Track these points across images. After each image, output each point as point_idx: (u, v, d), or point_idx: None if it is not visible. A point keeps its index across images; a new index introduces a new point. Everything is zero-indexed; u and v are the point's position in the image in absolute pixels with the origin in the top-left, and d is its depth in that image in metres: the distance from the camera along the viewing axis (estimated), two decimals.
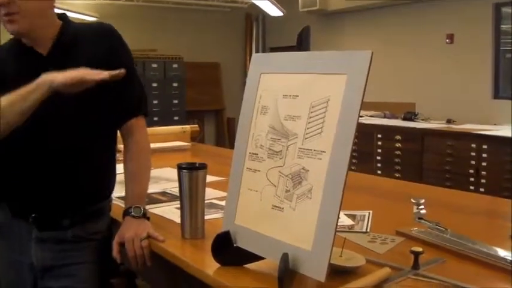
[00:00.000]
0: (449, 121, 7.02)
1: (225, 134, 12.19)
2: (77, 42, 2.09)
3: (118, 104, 2.15)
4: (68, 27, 2.11)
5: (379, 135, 7.25)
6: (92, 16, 9.71)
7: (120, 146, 2.26)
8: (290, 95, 1.57)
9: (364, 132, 7.21)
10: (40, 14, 2.01)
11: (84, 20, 9.35)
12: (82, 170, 2.11)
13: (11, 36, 2.07)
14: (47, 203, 2.08)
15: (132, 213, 2.06)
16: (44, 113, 1.97)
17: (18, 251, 2.13)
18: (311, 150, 1.46)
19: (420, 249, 1.62)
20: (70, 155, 2.07)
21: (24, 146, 2.05)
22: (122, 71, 1.90)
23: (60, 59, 2.03)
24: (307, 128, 1.49)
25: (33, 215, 2.08)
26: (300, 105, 1.52)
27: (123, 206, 2.15)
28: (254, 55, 1.77)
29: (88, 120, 2.10)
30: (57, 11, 2.13)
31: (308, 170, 1.46)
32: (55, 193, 2.07)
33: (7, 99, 1.88)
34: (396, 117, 7.72)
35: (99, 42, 2.13)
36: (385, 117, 7.85)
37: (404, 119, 7.45)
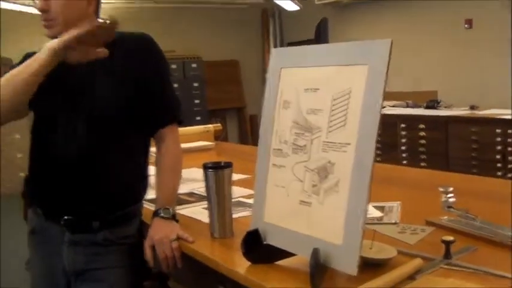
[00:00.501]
0: (472, 107, 6.95)
1: (248, 131, 12.19)
2: (115, 49, 2.06)
3: (152, 111, 2.18)
4: None
5: (403, 125, 7.21)
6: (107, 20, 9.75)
7: (153, 150, 2.29)
8: (311, 89, 1.56)
9: (387, 123, 7.17)
10: (77, 19, 2.01)
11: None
12: (113, 174, 2.12)
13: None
14: (78, 205, 2.10)
15: (161, 214, 2.07)
16: (76, 117, 2.04)
17: (52, 254, 2.16)
18: (335, 143, 1.45)
19: (451, 238, 1.60)
20: (101, 159, 2.09)
21: (56, 149, 2.08)
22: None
23: (95, 63, 2.01)
24: (330, 121, 1.48)
25: (65, 218, 2.10)
26: (322, 98, 1.52)
27: (152, 208, 2.16)
28: (273, 50, 1.76)
29: (121, 126, 2.12)
30: None
31: (334, 163, 1.45)
32: (86, 196, 2.09)
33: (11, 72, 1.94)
34: (419, 106, 7.66)
35: (138, 52, 2.16)
36: (407, 106, 7.79)
37: (427, 107, 7.39)
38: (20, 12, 7.85)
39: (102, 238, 2.13)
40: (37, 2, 1.99)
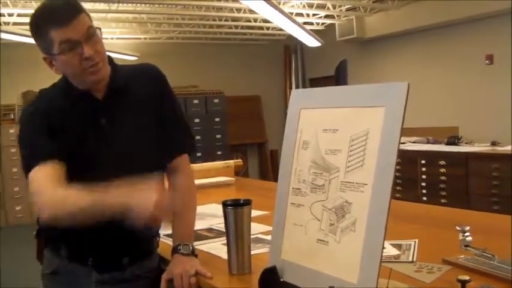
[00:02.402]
0: (493, 143, 6.93)
1: (269, 166, 12.20)
2: (129, 85, 2.14)
3: (165, 144, 2.20)
4: (118, 71, 2.16)
5: (423, 161, 7.20)
6: (132, 55, 9.86)
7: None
8: (330, 129, 1.59)
9: (407, 159, 7.17)
10: (107, 57, 2.08)
11: (126, 59, 9.51)
12: None
13: None
14: (104, 246, 2.11)
15: (181, 251, 2.08)
16: (104, 151, 2.07)
17: None
18: (353, 183, 1.48)
19: (467, 278, 1.61)
20: None
21: (84, 182, 2.06)
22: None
23: (114, 102, 2.10)
24: (348, 161, 1.50)
25: (91, 259, 2.12)
26: (340, 138, 1.54)
27: (170, 243, 2.18)
28: (293, 91, 1.80)
29: (143, 159, 2.13)
30: None
31: (351, 203, 1.47)
32: (112, 235, 2.07)
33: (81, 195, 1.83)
34: (439, 142, 7.65)
35: (148, 83, 2.19)
36: (428, 142, 7.79)
37: (448, 143, 7.39)
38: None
39: (130, 274, 2.15)
40: (85, 51, 1.93)
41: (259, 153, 12.40)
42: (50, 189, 1.89)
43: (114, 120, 2.11)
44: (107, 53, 2.09)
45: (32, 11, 2.04)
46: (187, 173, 2.28)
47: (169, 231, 2.28)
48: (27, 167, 1.96)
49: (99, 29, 2.02)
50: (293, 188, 1.67)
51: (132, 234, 2.08)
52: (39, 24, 1.94)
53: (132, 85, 2.15)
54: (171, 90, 2.27)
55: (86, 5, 7.58)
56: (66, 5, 1.93)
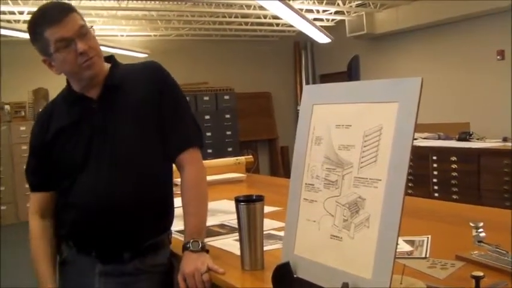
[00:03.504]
0: (505, 139, 6.89)
1: (279, 162, 12.20)
2: (125, 84, 2.19)
3: (171, 138, 2.21)
4: (117, 68, 2.23)
5: (435, 157, 7.18)
6: (142, 53, 9.88)
7: (177, 180, 2.31)
8: (343, 125, 1.58)
9: (419, 155, 7.15)
10: (101, 53, 2.16)
11: (135, 57, 9.53)
12: (141, 205, 2.15)
13: None
14: (109, 237, 2.14)
15: (191, 248, 2.08)
16: (102, 151, 2.11)
17: (84, 286, 2.20)
18: (366, 178, 1.47)
19: (481, 274, 1.60)
20: (130, 192, 2.12)
21: (85, 184, 2.13)
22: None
23: (110, 100, 2.16)
24: (362, 157, 1.50)
25: (95, 250, 2.16)
26: (354, 134, 1.54)
27: (182, 239, 2.18)
28: (305, 87, 1.79)
29: (144, 156, 2.17)
30: (106, 49, 2.22)
31: (365, 199, 1.47)
32: (117, 231, 2.13)
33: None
34: (451, 138, 7.63)
35: (147, 81, 2.21)
36: (439, 138, 7.76)
37: (459, 139, 7.36)
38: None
39: (133, 268, 2.17)
40: (79, 46, 2.03)
41: (269, 150, 12.40)
42: (33, 219, 2.33)
43: (109, 118, 2.15)
44: (116, 52, 2.14)
45: None
46: (197, 166, 2.27)
47: (181, 228, 2.28)
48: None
49: (92, 27, 2.13)
50: (306, 184, 1.66)
51: (132, 230, 2.12)
52: (34, 27, 2.08)
53: (130, 82, 2.20)
54: (174, 84, 2.28)
55: (96, 3, 7.62)
56: (57, 7, 2.08)
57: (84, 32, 2.05)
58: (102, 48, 2.16)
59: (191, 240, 2.10)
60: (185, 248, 2.10)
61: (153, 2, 8.35)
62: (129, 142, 2.14)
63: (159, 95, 2.19)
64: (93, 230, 2.14)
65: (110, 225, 2.11)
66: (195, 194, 2.23)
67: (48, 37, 2.03)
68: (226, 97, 11.09)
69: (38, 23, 2.06)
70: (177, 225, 2.36)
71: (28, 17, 7.87)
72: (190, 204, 2.20)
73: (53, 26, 2.01)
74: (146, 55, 9.94)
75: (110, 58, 2.25)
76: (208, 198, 2.28)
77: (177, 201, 2.30)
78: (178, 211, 2.31)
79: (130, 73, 2.24)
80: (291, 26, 8.66)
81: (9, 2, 7.21)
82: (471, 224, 1.95)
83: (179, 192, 2.25)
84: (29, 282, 5.91)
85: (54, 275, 2.23)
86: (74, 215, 2.17)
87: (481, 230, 1.93)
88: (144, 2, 8.25)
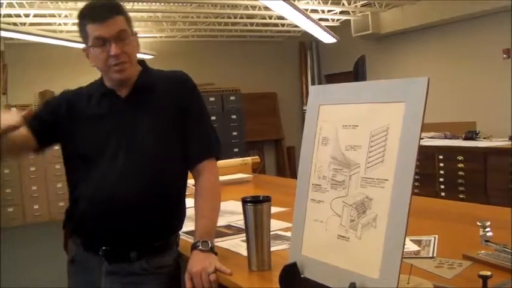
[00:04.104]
0: (511, 138, 6.88)
1: (285, 162, 12.20)
2: (154, 88, 2.25)
3: (192, 147, 2.26)
4: (146, 73, 2.28)
5: (441, 157, 7.17)
6: (149, 54, 9.89)
7: (190, 182, 2.34)
8: (350, 125, 1.58)
9: (425, 154, 7.14)
10: (136, 60, 2.22)
11: (142, 58, 9.52)
12: (152, 206, 2.17)
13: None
14: (117, 237, 2.16)
15: (200, 247, 2.09)
16: (118, 148, 2.15)
17: (91, 284, 2.22)
18: (374, 179, 1.47)
19: (488, 273, 1.59)
20: (140, 192, 2.14)
21: (96, 182, 2.15)
22: None
23: (136, 102, 2.21)
24: (369, 157, 1.50)
25: (103, 248, 2.17)
26: (360, 134, 1.54)
27: (190, 240, 2.19)
28: (312, 87, 1.79)
29: (159, 158, 2.20)
30: None
31: (372, 199, 1.47)
32: (125, 228, 2.14)
33: None
34: (457, 137, 7.61)
35: (175, 89, 2.28)
36: (445, 137, 7.75)
37: (466, 138, 7.34)
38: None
39: (139, 268, 2.18)
40: (112, 49, 2.09)
41: (275, 150, 12.39)
42: None
43: (133, 118, 2.20)
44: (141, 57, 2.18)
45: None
46: (213, 174, 2.31)
47: (189, 229, 2.30)
48: None
49: (135, 34, 2.20)
50: (313, 184, 1.67)
51: (139, 229, 2.13)
52: (80, 18, 2.16)
53: (158, 86, 2.26)
54: (200, 95, 2.36)
55: None
56: (106, 5, 2.14)
57: (122, 37, 2.11)
58: None
59: (201, 240, 2.11)
60: (194, 247, 2.11)
61: (158, 3, 8.36)
62: (146, 142, 2.18)
63: (185, 104, 2.26)
64: (99, 226, 2.15)
65: (116, 222, 2.13)
66: (209, 199, 2.27)
67: (89, 32, 2.12)
68: (232, 98, 11.10)
69: (84, 15, 2.14)
70: (185, 226, 2.37)
71: (34, 20, 7.86)
72: (203, 208, 2.24)
73: (95, 23, 2.09)
74: (152, 56, 9.95)
75: (141, 62, 2.31)
76: (220, 207, 2.32)
77: (188, 202, 2.34)
78: (188, 212, 2.35)
79: (160, 78, 2.30)
80: (296, 26, 8.65)
81: (15, 5, 7.23)
82: (478, 223, 1.95)
83: (188, 193, 2.29)
84: (31, 284, 5.95)
85: None
86: (82, 208, 2.19)
87: (488, 229, 1.93)
88: (149, 3, 8.26)
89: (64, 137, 2.26)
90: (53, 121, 2.25)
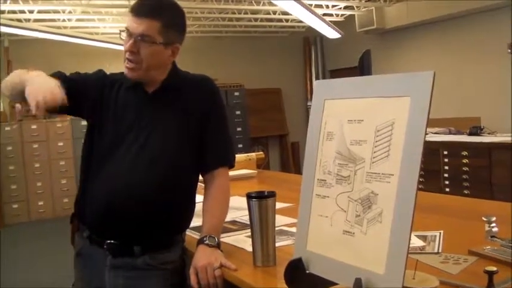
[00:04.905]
0: None
1: (290, 158, 12.19)
2: (181, 88, 2.27)
3: (205, 152, 2.28)
4: (175, 74, 2.30)
5: (445, 152, 7.15)
6: None
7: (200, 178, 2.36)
8: (355, 120, 1.57)
9: (430, 150, 7.12)
10: (158, 66, 2.22)
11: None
12: (160, 205, 2.18)
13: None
14: (123, 231, 2.17)
15: (206, 242, 2.10)
16: (135, 141, 2.17)
17: (95, 277, 2.23)
18: (379, 173, 1.46)
19: (494, 269, 1.59)
20: (149, 191, 2.15)
21: (107, 170, 2.17)
22: None
23: (161, 100, 2.23)
24: (374, 152, 1.49)
25: (107, 242, 2.18)
26: (365, 129, 1.53)
27: (196, 236, 2.19)
28: (317, 82, 1.79)
29: (173, 157, 2.21)
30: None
31: (377, 194, 1.46)
32: (132, 223, 2.15)
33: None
34: (462, 133, 7.59)
35: (200, 93, 2.30)
36: (450, 133, 7.73)
37: (470, 134, 7.32)
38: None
39: (142, 263, 2.18)
40: (126, 44, 2.13)
41: (280, 146, 12.39)
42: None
43: (155, 114, 2.23)
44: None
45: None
46: (225, 180, 2.33)
47: (195, 224, 2.30)
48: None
49: (167, 44, 2.18)
50: (318, 179, 1.66)
51: (145, 224, 2.13)
52: (132, 4, 2.18)
53: (185, 88, 2.28)
54: (222, 103, 2.40)
55: (106, 1, 7.60)
56: (149, 5, 2.15)
57: (144, 40, 2.11)
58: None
59: (208, 235, 2.13)
60: (201, 241, 2.12)
61: None
62: (163, 140, 2.19)
63: (207, 111, 2.28)
64: (105, 217, 2.16)
65: (121, 217, 2.14)
66: (220, 201, 2.29)
67: (127, 19, 2.16)
68: (237, 93, 11.10)
69: (134, 4, 2.17)
70: (192, 222, 2.36)
71: (38, 16, 7.86)
72: (213, 208, 2.26)
73: (132, 15, 2.13)
74: None
75: (172, 62, 2.31)
76: (228, 210, 2.34)
77: (197, 197, 2.36)
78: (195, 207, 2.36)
79: (187, 81, 2.32)
80: (301, 21, 8.65)
81: (20, 1, 7.23)
82: (484, 219, 1.95)
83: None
84: (34, 281, 5.96)
85: None
86: (90, 199, 2.21)
87: (493, 224, 1.93)
88: None
89: (95, 119, 2.28)
90: (94, 98, 2.27)
